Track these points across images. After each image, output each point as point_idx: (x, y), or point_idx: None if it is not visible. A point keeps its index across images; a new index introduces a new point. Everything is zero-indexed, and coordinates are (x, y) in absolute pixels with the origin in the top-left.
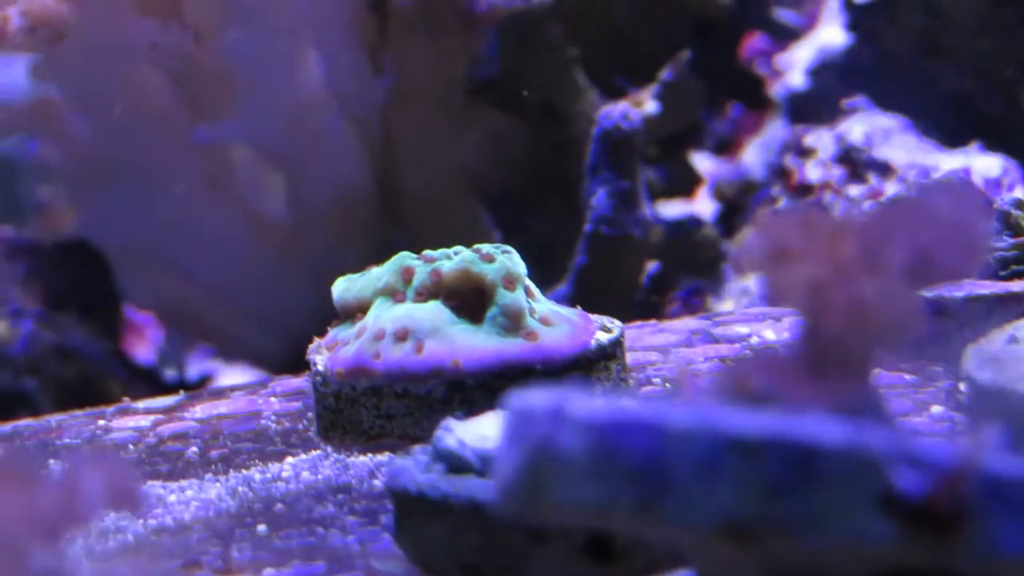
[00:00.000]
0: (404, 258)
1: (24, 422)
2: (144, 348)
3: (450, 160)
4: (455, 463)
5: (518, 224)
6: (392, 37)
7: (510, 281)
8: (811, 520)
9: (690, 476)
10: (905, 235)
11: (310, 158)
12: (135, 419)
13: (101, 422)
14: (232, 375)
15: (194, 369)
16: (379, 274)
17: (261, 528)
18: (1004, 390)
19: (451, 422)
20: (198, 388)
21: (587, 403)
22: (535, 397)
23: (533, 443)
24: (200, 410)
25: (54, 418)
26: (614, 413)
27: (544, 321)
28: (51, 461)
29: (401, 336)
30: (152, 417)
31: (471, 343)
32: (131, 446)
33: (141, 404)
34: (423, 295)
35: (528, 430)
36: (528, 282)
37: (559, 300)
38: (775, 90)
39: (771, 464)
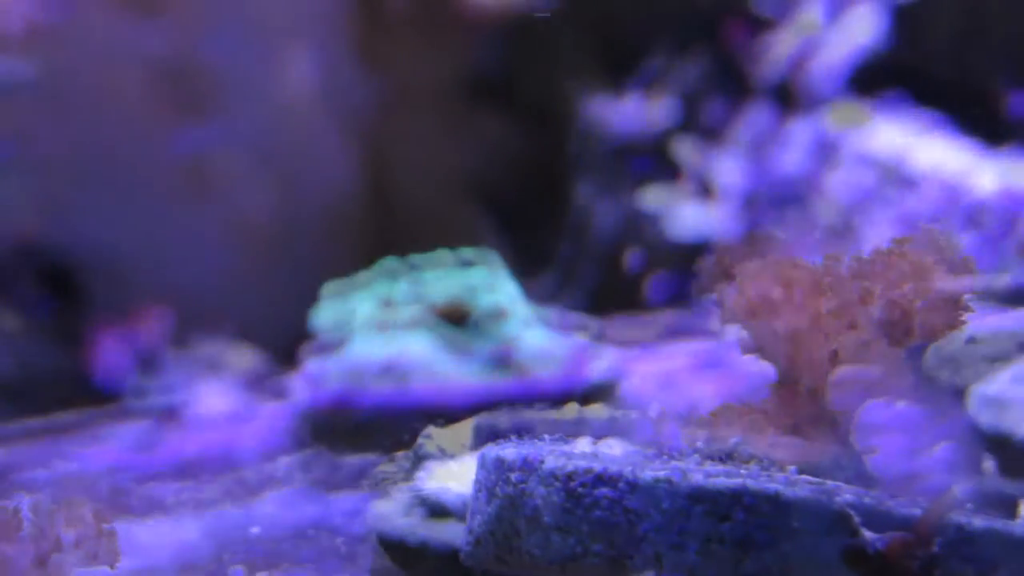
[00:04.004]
0: (389, 284)
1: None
2: (116, 359)
3: (447, 163)
4: (435, 508)
5: (513, 224)
6: (386, 38)
7: (498, 315)
8: (776, 569)
9: (660, 529)
10: (883, 290)
11: (298, 160)
12: (105, 447)
13: (70, 449)
14: (210, 398)
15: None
16: (363, 301)
17: (238, 571)
18: (1006, 434)
19: (431, 429)
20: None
21: (556, 456)
22: (507, 450)
23: (505, 493)
24: (177, 438)
25: (24, 445)
26: (586, 464)
27: (537, 355)
28: (18, 492)
29: (386, 371)
30: (120, 446)
31: (460, 378)
32: (102, 478)
33: (114, 428)
34: (410, 325)
35: (500, 481)
36: (522, 309)
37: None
38: (767, 80)
39: (738, 516)
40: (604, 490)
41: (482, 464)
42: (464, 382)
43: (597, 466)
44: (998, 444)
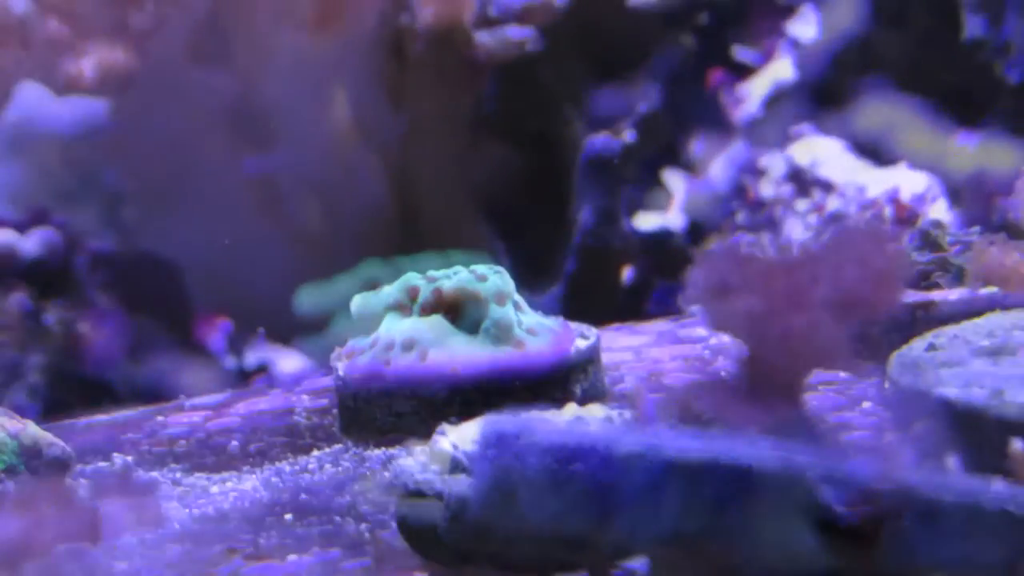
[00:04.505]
0: (410, 278)
1: (97, 418)
2: (214, 339)
3: (458, 182)
4: (450, 464)
5: (516, 235)
6: (409, 80)
7: (501, 298)
8: (745, 534)
9: (636, 497)
10: (829, 274)
11: (342, 183)
12: (188, 415)
13: (160, 418)
14: (286, 362)
15: (253, 357)
16: (389, 292)
17: (288, 517)
18: (922, 393)
19: (446, 426)
20: (256, 374)
21: (547, 429)
22: (505, 421)
23: (497, 465)
24: (243, 407)
25: (121, 414)
26: (570, 439)
27: (530, 332)
28: (115, 454)
29: (408, 346)
30: (203, 413)
31: (468, 351)
32: (183, 441)
33: (195, 401)
34: (427, 310)
35: (498, 450)
36: (517, 297)
37: (553, 301)
38: (737, 116)
39: (709, 484)
40: (579, 465)
41: (482, 435)
42: (470, 353)
43: (571, 441)
44: (917, 400)
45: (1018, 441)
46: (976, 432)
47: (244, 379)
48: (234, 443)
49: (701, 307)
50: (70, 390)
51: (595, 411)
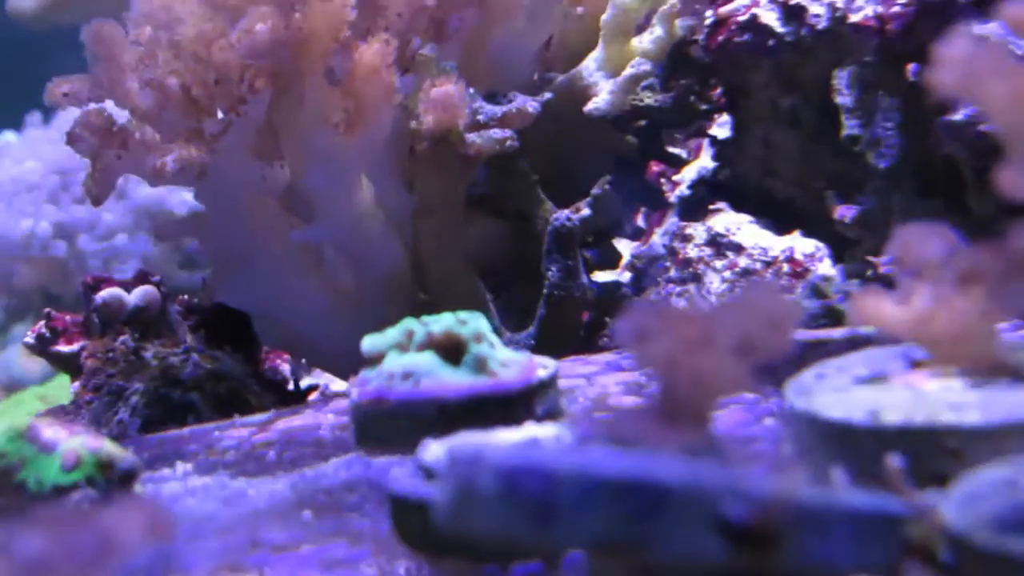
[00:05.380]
0: (408, 323)
1: (169, 433)
2: (283, 368)
3: (456, 249)
4: (431, 473)
5: (503, 290)
6: (417, 170)
7: (478, 338)
8: (660, 540)
9: (570, 509)
10: (734, 323)
11: (367, 250)
12: (239, 431)
13: (217, 433)
14: (336, 384)
15: (311, 381)
16: (392, 334)
17: (307, 514)
18: (812, 415)
19: (429, 441)
20: (309, 394)
21: (499, 452)
22: (463, 446)
23: (459, 481)
24: (282, 424)
25: (187, 430)
26: (517, 460)
27: (503, 364)
28: (178, 462)
29: (406, 376)
30: (250, 430)
31: (453, 380)
32: (231, 451)
33: (245, 419)
34: (420, 348)
35: (457, 470)
36: (492, 337)
37: (529, 339)
38: (672, 197)
39: (630, 498)
40: (531, 480)
41: (445, 456)
42: (455, 381)
43: (518, 462)
44: (808, 422)
45: (892, 456)
46: (857, 448)
47: (301, 397)
48: (271, 453)
49: (627, 350)
50: (163, 410)
51: (548, 430)
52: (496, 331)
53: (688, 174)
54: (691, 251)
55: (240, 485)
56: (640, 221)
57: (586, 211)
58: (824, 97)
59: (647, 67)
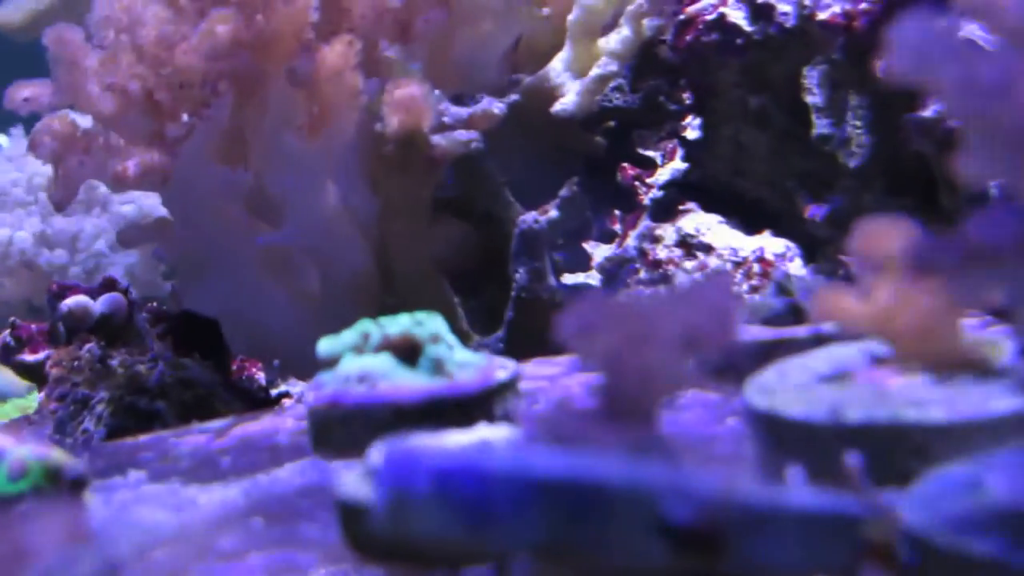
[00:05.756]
0: (365, 324)
1: (125, 442)
2: (259, 377)
3: (424, 252)
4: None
5: (471, 293)
6: (382, 172)
7: (435, 339)
8: (601, 542)
9: (506, 511)
10: (677, 316)
11: (334, 253)
12: (196, 438)
13: (173, 440)
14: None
15: (286, 388)
16: (348, 336)
17: (257, 521)
18: (771, 413)
19: (378, 443)
20: (280, 401)
21: (434, 453)
22: (396, 446)
23: (392, 483)
24: (240, 430)
25: (145, 438)
26: (451, 461)
27: (460, 366)
28: (131, 470)
29: (362, 379)
30: (207, 436)
31: (410, 383)
32: (186, 459)
33: (203, 425)
34: (378, 350)
35: (390, 473)
36: (450, 338)
37: (497, 342)
38: (646, 200)
39: (568, 499)
40: (466, 481)
41: (378, 458)
42: (411, 384)
43: (453, 463)
44: (768, 421)
45: (851, 455)
46: (818, 447)
47: (273, 405)
48: (226, 460)
49: (570, 346)
50: (129, 418)
51: (501, 432)
52: (464, 335)
53: (662, 176)
54: (661, 252)
55: (192, 492)
56: (612, 224)
57: (554, 213)
58: (793, 96)
59: (614, 67)
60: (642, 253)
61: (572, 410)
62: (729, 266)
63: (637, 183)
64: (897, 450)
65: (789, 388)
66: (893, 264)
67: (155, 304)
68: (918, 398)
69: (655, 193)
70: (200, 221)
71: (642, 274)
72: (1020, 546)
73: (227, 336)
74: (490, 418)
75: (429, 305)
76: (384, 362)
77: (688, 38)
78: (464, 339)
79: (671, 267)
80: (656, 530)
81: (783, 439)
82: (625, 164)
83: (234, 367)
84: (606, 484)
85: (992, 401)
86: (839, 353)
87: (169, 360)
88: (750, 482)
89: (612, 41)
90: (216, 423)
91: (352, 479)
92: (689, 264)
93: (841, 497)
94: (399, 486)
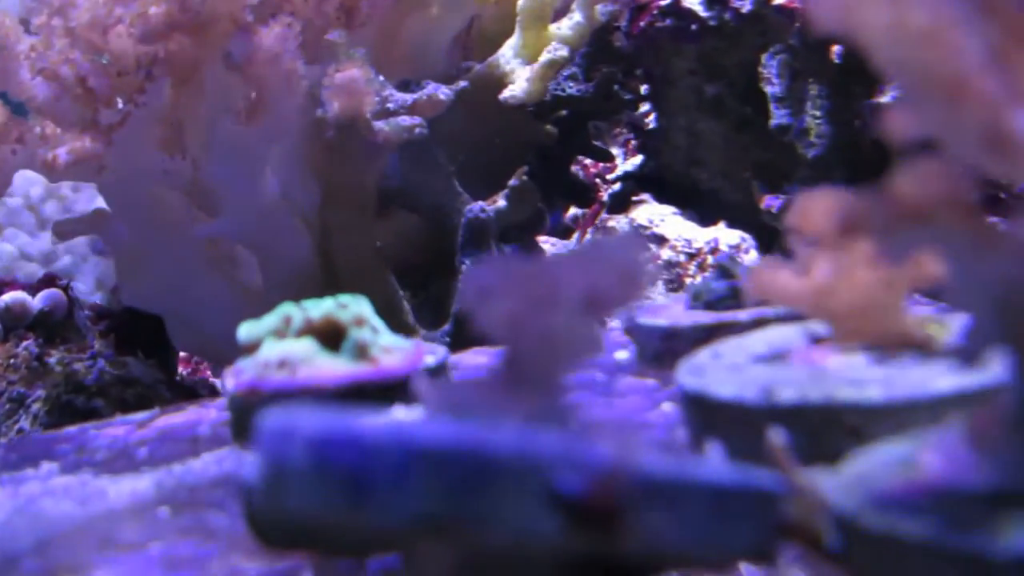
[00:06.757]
0: (287, 308)
1: (44, 434)
2: (203, 373)
3: (369, 244)
4: None
5: (419, 286)
6: (324, 160)
7: (359, 322)
8: (487, 517)
9: (386, 483)
10: (582, 276)
11: (274, 244)
12: (116, 430)
13: (92, 432)
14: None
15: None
16: (269, 320)
17: (164, 511)
18: (702, 393)
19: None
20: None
21: (311, 421)
22: (273, 416)
23: (268, 457)
24: (163, 421)
25: (64, 430)
26: (328, 430)
27: (385, 350)
28: (43, 461)
29: (282, 365)
30: (128, 428)
31: (332, 368)
32: (103, 450)
33: (126, 417)
34: (300, 334)
35: (266, 444)
36: (375, 322)
37: (444, 335)
38: (606, 195)
39: (451, 470)
40: (343, 451)
41: (256, 430)
42: (332, 369)
43: (330, 432)
44: (698, 402)
45: (775, 430)
46: (750, 429)
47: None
48: (143, 451)
49: (472, 311)
50: (65, 416)
51: (416, 414)
52: (410, 329)
53: (620, 169)
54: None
55: (102, 484)
56: (565, 216)
57: (502, 203)
58: (750, 84)
59: (564, 52)
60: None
61: (472, 379)
62: (682, 258)
63: (599, 180)
64: (832, 431)
65: (722, 368)
66: (833, 239)
67: (99, 302)
68: (855, 378)
69: (615, 186)
70: (138, 212)
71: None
72: (953, 527)
73: (170, 334)
74: (414, 404)
75: (373, 299)
76: (306, 347)
77: (642, 24)
78: (410, 334)
79: None
80: (546, 502)
81: (714, 421)
82: (588, 161)
83: (189, 368)
84: (493, 453)
85: (932, 380)
86: (778, 334)
87: (109, 358)
88: (654, 453)
89: (564, 27)
90: (139, 415)
91: (251, 462)
92: None
93: (757, 473)
94: (275, 459)
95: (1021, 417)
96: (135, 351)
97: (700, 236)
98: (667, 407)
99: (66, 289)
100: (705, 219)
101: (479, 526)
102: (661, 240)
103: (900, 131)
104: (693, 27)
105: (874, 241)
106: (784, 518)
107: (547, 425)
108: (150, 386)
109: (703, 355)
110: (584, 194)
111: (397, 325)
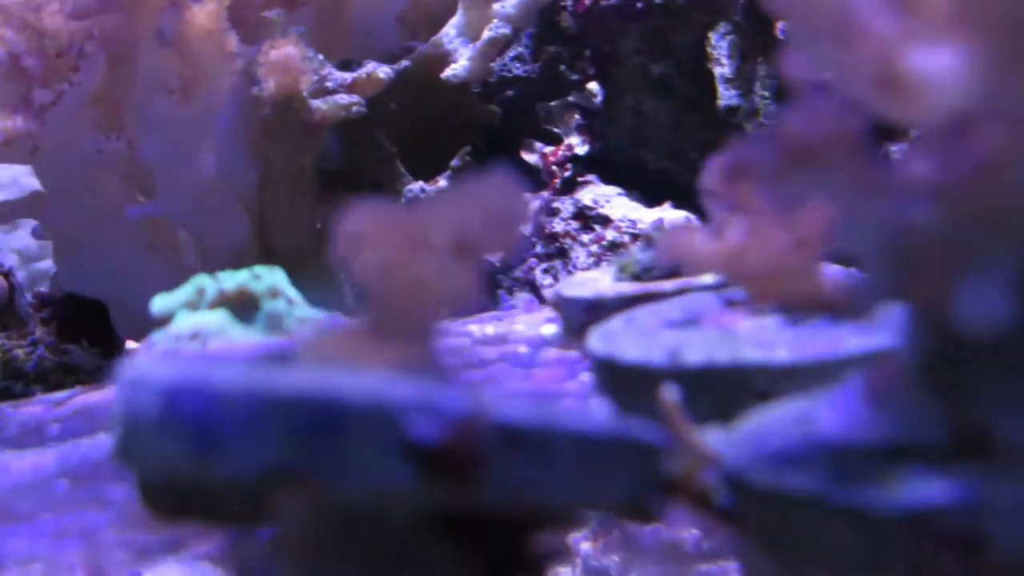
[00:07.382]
0: (200, 279)
1: None
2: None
3: (308, 225)
4: None
5: None
6: (260, 139)
7: (273, 293)
8: (338, 467)
9: (235, 432)
10: (452, 219)
11: (210, 225)
12: (34, 408)
13: (9, 411)
14: None
15: None
16: (182, 292)
17: (63, 483)
18: (610, 358)
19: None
20: None
21: (165, 371)
22: (130, 365)
23: (121, 407)
24: (81, 399)
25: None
26: (178, 378)
27: (301, 322)
28: None
29: (193, 336)
30: (45, 406)
31: (244, 339)
32: (16, 427)
33: (48, 396)
34: (213, 306)
35: (122, 395)
36: (291, 293)
37: None
38: (558, 181)
39: (301, 418)
40: (192, 400)
41: (116, 381)
42: (246, 341)
43: (180, 379)
44: (607, 367)
45: (667, 386)
46: (654, 390)
47: None
48: (56, 428)
49: (340, 257)
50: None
51: None
52: (350, 311)
53: (565, 151)
54: (557, 225)
55: (6, 459)
56: None
57: (443, 183)
58: (698, 63)
59: (506, 30)
60: (539, 227)
61: (341, 332)
62: (626, 239)
63: (556, 168)
64: (740, 394)
65: (632, 333)
66: (747, 201)
67: (43, 289)
68: (764, 340)
69: (566, 174)
70: (74, 194)
71: (538, 248)
72: (842, 481)
73: (113, 320)
74: None
75: (312, 281)
76: (218, 318)
77: (587, 3)
78: (350, 315)
79: (568, 240)
80: (399, 450)
81: (622, 385)
82: (548, 150)
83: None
84: (343, 400)
85: (842, 341)
86: (694, 300)
87: (51, 345)
88: (517, 401)
89: (507, 5)
90: (59, 394)
91: None
92: (586, 237)
93: (636, 425)
94: (128, 411)
95: (916, 371)
96: (79, 339)
97: (645, 216)
98: (586, 378)
99: (7, 275)
100: (651, 200)
101: (330, 476)
102: (605, 221)
103: (795, 73)
104: (639, 5)
105: (764, 186)
106: (669, 474)
107: (416, 374)
108: (91, 373)
109: (616, 322)
110: (533, 177)
111: (338, 306)
